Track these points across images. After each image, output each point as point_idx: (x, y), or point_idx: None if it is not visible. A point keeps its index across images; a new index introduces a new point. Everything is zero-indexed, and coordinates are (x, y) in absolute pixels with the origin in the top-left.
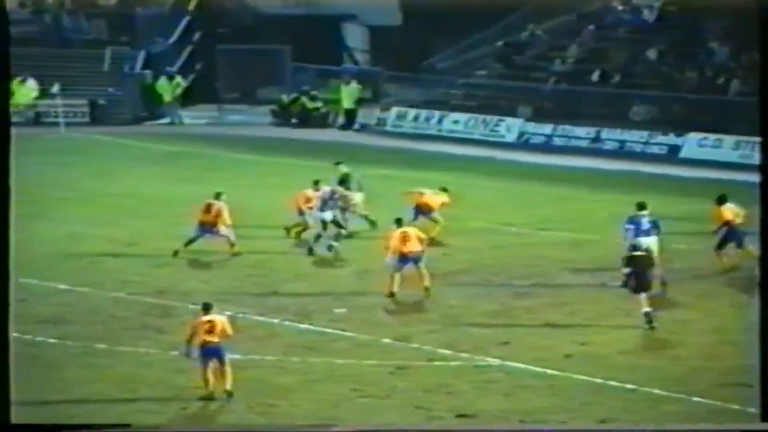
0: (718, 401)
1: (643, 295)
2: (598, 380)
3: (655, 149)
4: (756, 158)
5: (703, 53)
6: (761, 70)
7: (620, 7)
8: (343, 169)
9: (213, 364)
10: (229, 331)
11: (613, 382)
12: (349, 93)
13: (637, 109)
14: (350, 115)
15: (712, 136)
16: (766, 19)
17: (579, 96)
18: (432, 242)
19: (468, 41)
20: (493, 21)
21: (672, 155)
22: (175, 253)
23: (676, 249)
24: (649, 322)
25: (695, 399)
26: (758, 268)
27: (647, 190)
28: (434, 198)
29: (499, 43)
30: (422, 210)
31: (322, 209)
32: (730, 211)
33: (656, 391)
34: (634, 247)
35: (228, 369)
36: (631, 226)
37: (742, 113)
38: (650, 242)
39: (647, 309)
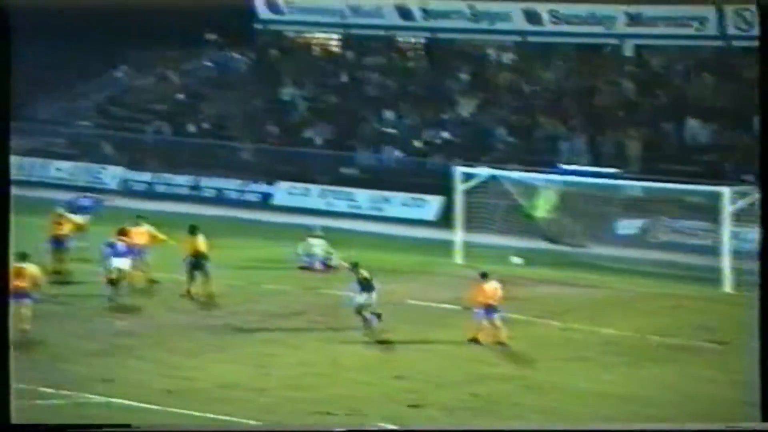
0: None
1: None
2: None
3: (249, 196)
4: (336, 205)
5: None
6: (761, 71)
7: (209, 63)
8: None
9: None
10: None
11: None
12: None
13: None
14: None
15: (300, 185)
16: (767, 19)
17: (177, 146)
18: None
19: (69, 93)
20: (93, 75)
21: (265, 202)
22: None
23: (267, 289)
24: None
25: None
26: (758, 268)
27: (242, 233)
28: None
29: (100, 94)
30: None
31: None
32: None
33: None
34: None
35: None
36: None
37: (325, 165)
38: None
39: None
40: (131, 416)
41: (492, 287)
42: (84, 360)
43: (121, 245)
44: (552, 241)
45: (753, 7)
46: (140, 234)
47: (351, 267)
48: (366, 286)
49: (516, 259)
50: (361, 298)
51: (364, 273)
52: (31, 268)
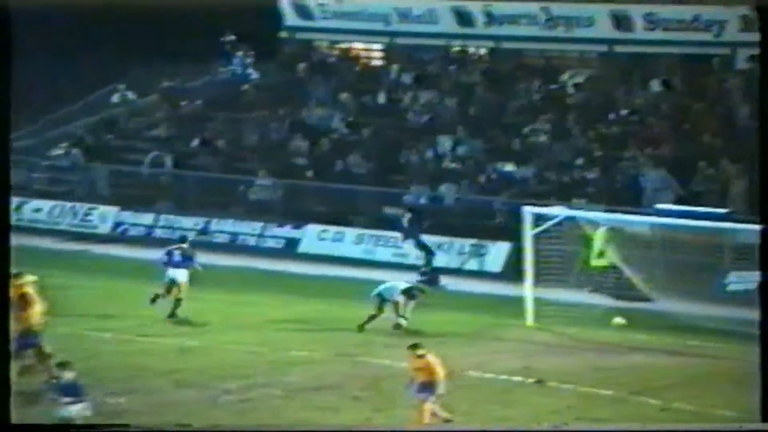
0: None
1: None
2: None
3: (271, 242)
4: (377, 254)
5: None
6: (761, 71)
7: (222, 80)
8: None
9: None
10: None
11: None
12: None
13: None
14: None
15: (332, 229)
16: (767, 19)
17: (183, 181)
18: None
19: (51, 116)
20: (81, 95)
21: (290, 249)
22: None
23: (295, 356)
24: None
25: None
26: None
27: (262, 288)
28: None
29: (89, 120)
30: None
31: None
32: None
33: None
34: None
35: None
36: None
37: (364, 204)
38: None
39: None
40: None
41: (424, 361)
42: None
43: (177, 253)
44: (608, 294)
45: None
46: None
47: None
48: None
49: (619, 320)
50: None
51: None
52: None
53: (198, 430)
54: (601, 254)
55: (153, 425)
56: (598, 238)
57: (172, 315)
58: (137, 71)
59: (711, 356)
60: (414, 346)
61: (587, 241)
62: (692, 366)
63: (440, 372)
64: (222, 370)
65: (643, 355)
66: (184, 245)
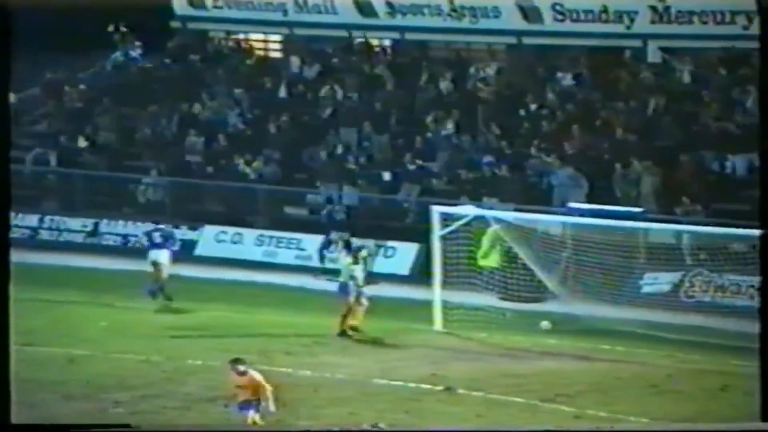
0: None
1: None
2: None
3: None
4: (279, 256)
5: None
6: (761, 70)
7: (110, 72)
8: None
9: None
10: None
11: None
12: None
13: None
14: None
15: (231, 230)
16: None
17: (70, 180)
18: None
19: None
20: None
21: (185, 252)
22: None
23: (192, 365)
24: None
25: None
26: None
27: None
28: None
29: None
30: None
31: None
32: None
33: None
34: None
35: None
36: None
37: (263, 204)
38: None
39: None
40: None
41: (247, 378)
42: None
43: (157, 234)
44: (503, 296)
45: None
46: None
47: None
48: None
49: (545, 324)
50: None
51: None
52: None
53: (198, 430)
54: (486, 253)
55: (152, 425)
56: (487, 237)
57: (168, 299)
58: (19, 62)
59: (625, 361)
60: (235, 361)
61: (477, 240)
62: (606, 371)
63: (266, 388)
64: (112, 380)
65: (553, 360)
66: (162, 226)
